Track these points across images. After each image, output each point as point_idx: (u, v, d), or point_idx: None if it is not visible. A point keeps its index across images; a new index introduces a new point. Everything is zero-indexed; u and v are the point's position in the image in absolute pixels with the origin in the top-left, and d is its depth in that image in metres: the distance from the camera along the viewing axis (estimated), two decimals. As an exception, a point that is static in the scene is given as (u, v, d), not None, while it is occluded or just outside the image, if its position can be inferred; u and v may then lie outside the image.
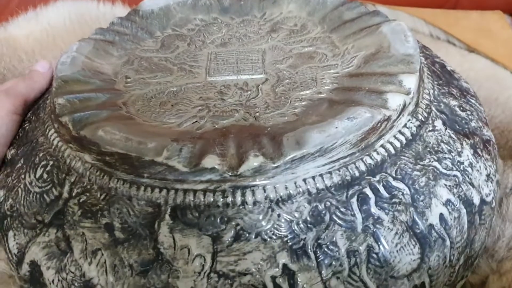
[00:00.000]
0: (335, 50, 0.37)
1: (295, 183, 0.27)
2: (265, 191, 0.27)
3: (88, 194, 0.29)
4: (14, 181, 0.32)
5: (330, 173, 0.27)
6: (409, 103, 0.31)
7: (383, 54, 0.34)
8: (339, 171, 0.28)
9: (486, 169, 0.32)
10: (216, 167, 0.26)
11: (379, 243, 0.27)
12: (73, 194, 0.29)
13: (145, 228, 0.27)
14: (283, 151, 0.26)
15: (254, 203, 0.27)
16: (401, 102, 0.30)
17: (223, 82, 0.35)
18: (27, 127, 0.36)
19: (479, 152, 0.32)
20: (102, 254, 0.27)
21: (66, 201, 0.29)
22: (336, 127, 0.27)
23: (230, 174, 0.26)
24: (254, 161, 0.26)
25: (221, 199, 0.27)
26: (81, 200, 0.29)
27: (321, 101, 0.32)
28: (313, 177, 0.27)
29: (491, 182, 0.32)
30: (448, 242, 0.28)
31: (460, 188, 0.30)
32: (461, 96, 0.36)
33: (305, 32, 0.40)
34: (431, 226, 0.28)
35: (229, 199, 0.27)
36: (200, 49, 0.39)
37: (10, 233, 0.31)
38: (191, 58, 0.38)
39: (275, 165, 0.26)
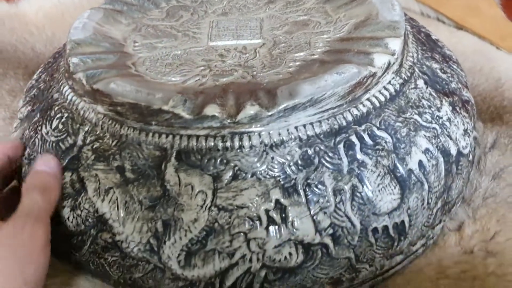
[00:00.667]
0: (328, 18, 0.40)
1: (287, 130, 0.30)
2: (260, 136, 0.30)
3: (101, 141, 0.32)
4: (31, 133, 0.35)
5: (319, 122, 0.30)
6: (394, 63, 0.33)
7: (371, 21, 0.37)
8: (328, 120, 0.31)
9: (463, 124, 0.35)
10: (216, 114, 0.29)
11: (362, 183, 0.30)
12: (87, 141, 0.32)
13: (153, 169, 0.30)
14: (277, 101, 0.29)
15: (251, 147, 0.30)
16: (386, 61, 0.32)
17: (224, 46, 0.38)
18: (42, 87, 0.39)
19: (458, 110, 0.35)
20: (114, 192, 0.30)
21: (80, 148, 0.32)
22: (326, 80, 0.30)
23: (229, 121, 0.29)
24: (250, 109, 0.29)
25: (221, 144, 0.30)
26: (94, 147, 0.32)
27: (314, 61, 0.35)
28: (304, 125, 0.30)
29: (468, 137, 0.35)
30: (426, 186, 0.31)
31: (439, 139, 0.33)
32: (443, 61, 0.39)
33: (300, 3, 0.43)
34: (410, 170, 0.31)
35: (228, 143, 0.30)
36: (202, 18, 0.42)
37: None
38: (194, 25, 0.41)
39: (270, 113, 0.29)
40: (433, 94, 0.35)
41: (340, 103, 0.31)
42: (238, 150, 0.30)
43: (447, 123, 0.34)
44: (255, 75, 0.34)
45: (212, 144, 0.30)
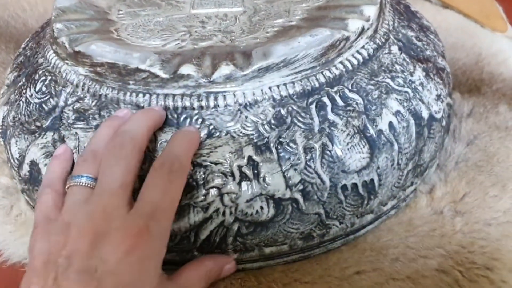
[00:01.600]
0: (308, -12, 0.40)
1: (261, 90, 0.31)
2: (235, 96, 0.31)
3: (81, 101, 0.33)
4: (16, 96, 0.36)
5: (293, 83, 0.31)
6: (368, 29, 0.34)
7: None
8: (301, 81, 0.31)
9: (436, 90, 0.36)
10: (192, 73, 0.30)
11: (332, 142, 0.31)
12: (68, 102, 0.33)
13: (130, 128, 0.31)
14: (251, 61, 0.30)
15: (225, 106, 0.31)
16: (360, 26, 0.33)
17: (206, 13, 0.39)
18: (28, 54, 0.40)
19: (431, 76, 0.36)
20: (92, 150, 0.31)
21: (62, 109, 0.33)
22: (299, 42, 0.31)
23: (204, 80, 0.30)
24: (225, 69, 0.30)
25: (196, 103, 0.31)
26: (75, 107, 0.33)
27: (291, 27, 0.35)
28: (278, 86, 0.31)
29: (441, 102, 0.36)
30: (396, 147, 0.32)
31: (410, 103, 0.34)
32: (419, 30, 0.39)
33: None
34: (380, 131, 0.32)
35: (203, 102, 0.31)
36: (185, -12, 0.42)
37: (13, 141, 0.35)
38: (177, -4, 0.41)
39: (244, 73, 0.30)
40: (407, 59, 0.36)
41: (313, 65, 0.32)
42: (213, 109, 0.31)
43: (420, 88, 0.35)
44: (234, 39, 0.35)
45: (188, 103, 0.31)
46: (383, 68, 0.34)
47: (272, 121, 0.31)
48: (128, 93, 0.32)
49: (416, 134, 0.34)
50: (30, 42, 0.43)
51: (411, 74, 0.35)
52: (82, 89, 0.33)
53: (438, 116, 0.35)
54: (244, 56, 0.31)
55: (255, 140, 0.30)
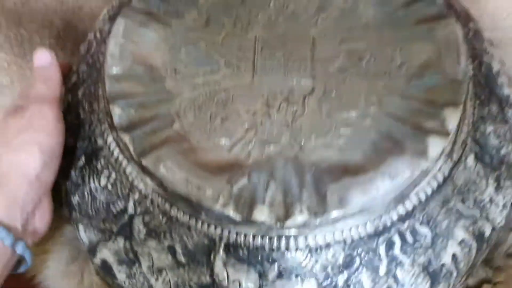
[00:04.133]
0: (385, 51, 0.36)
1: (333, 233, 0.31)
2: (306, 239, 0.31)
3: (151, 215, 0.33)
4: (78, 179, 0.36)
5: (365, 224, 0.31)
6: (447, 145, 0.32)
7: (432, 71, 0.34)
8: (374, 222, 0.31)
9: (504, 198, 0.35)
10: (265, 219, 0.30)
11: (397, 283, 0.32)
12: (137, 212, 0.34)
13: (203, 256, 0.32)
14: (326, 208, 0.30)
15: (296, 249, 0.31)
16: (440, 150, 0.32)
17: (270, 87, 0.36)
18: (81, 115, 0.38)
19: (502, 183, 0.35)
20: (167, 274, 0.33)
21: (131, 217, 0.34)
22: (377, 189, 0.30)
23: (277, 226, 0.30)
24: (299, 216, 0.30)
25: (268, 244, 0.31)
26: (145, 220, 0.33)
27: (366, 133, 0.33)
28: (350, 229, 0.31)
29: (506, 209, 0.36)
30: (455, 274, 0.34)
31: (476, 225, 0.34)
32: (498, 113, 0.37)
33: (356, 16, 0.38)
34: (443, 265, 0.33)
35: (275, 244, 0.31)
36: (246, 32, 0.38)
37: (80, 226, 0.36)
38: (237, 45, 0.37)
39: (318, 221, 0.30)
40: (481, 172, 0.34)
41: (388, 205, 0.31)
42: (284, 251, 0.31)
43: (488, 205, 0.34)
44: (303, 146, 0.33)
45: (259, 243, 0.31)
46: (456, 190, 0.33)
47: (341, 264, 0.32)
48: (200, 222, 0.32)
49: (476, 253, 0.34)
50: (82, 71, 0.40)
51: (482, 193, 0.34)
52: (151, 202, 0.33)
53: (500, 225, 0.36)
54: (318, 197, 0.30)
55: (324, 284, 0.32)
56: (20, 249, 0.33)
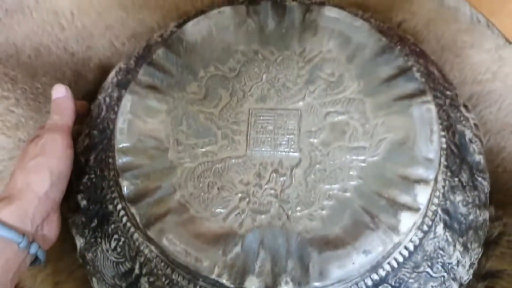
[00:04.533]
0: (366, 126, 0.40)
1: (313, 300, 0.35)
2: (290, 304, 0.35)
3: (155, 277, 0.38)
4: (92, 240, 0.41)
5: (342, 291, 0.36)
6: (418, 219, 0.37)
7: (407, 149, 0.38)
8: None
9: (471, 258, 0.40)
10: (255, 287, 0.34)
11: None
12: (143, 272, 0.38)
13: (200, 315, 0.37)
14: (309, 280, 0.34)
15: (281, 311, 0.36)
16: (411, 225, 0.36)
17: (261, 159, 0.40)
18: (94, 179, 0.42)
19: (469, 246, 0.39)
20: (172, 330, 0.37)
21: (138, 277, 0.38)
22: (353, 263, 0.34)
23: (265, 293, 0.35)
24: (285, 286, 0.34)
25: (256, 308, 0.36)
26: (150, 280, 0.38)
27: (346, 206, 0.37)
28: (328, 296, 0.36)
29: (472, 268, 0.40)
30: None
31: (444, 285, 0.38)
32: (468, 180, 0.41)
33: (341, 89, 0.42)
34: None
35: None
36: (241, 105, 0.42)
37: (94, 279, 0.41)
38: (233, 117, 0.42)
39: (300, 291, 0.34)
40: (449, 238, 0.38)
41: (363, 274, 0.36)
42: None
43: (455, 267, 0.39)
44: (290, 216, 0.38)
45: (250, 305, 0.36)
46: (425, 257, 0.37)
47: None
48: (198, 287, 0.36)
49: (441, 309, 0.39)
50: (92, 131, 0.44)
51: (450, 257, 0.38)
52: (155, 266, 0.38)
53: (466, 281, 0.40)
54: (301, 269, 0.35)
55: None
56: (33, 249, 0.38)
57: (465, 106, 0.45)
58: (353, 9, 0.49)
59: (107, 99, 0.45)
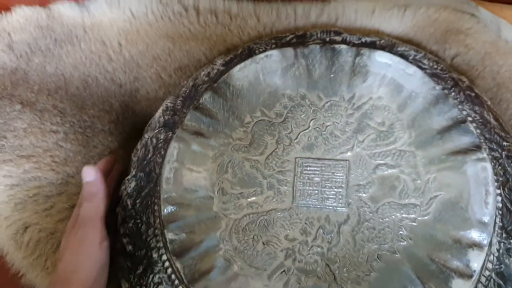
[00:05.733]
0: (417, 181, 0.39)
1: None
2: None
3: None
4: (137, 286, 0.41)
5: None
6: (471, 286, 0.35)
7: (460, 210, 0.37)
8: None
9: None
10: None
11: None
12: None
13: None
14: None
15: None
16: (462, 295, 0.34)
17: (308, 213, 0.39)
18: (139, 225, 0.42)
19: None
20: None
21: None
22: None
23: None
24: None
25: None
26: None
27: (395, 269, 0.36)
28: None
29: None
30: None
31: None
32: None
33: (392, 140, 0.41)
34: None
35: None
36: (287, 153, 0.41)
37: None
38: (279, 166, 0.41)
39: None
40: (504, 306, 0.37)
41: None
42: None
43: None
44: (336, 276, 0.37)
45: None
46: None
47: None
48: None
49: None
50: (139, 173, 0.44)
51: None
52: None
53: None
54: None
55: None
56: None
57: (524, 157, 0.43)
58: (405, 46, 0.47)
59: (154, 140, 0.45)
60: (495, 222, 0.37)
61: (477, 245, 0.35)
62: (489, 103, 0.44)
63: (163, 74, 0.56)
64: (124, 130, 0.54)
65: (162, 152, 0.43)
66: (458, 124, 0.39)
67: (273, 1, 0.54)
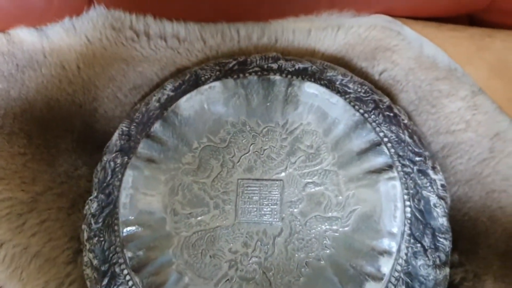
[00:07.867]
0: (339, 197, 0.46)
1: None
2: None
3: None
4: None
5: None
6: (382, 286, 0.43)
7: (373, 222, 0.44)
8: None
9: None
10: None
11: None
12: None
13: None
14: None
15: None
16: (374, 293, 0.42)
17: (248, 227, 0.46)
18: (103, 242, 0.48)
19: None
20: None
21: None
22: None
23: None
24: None
25: None
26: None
27: (320, 274, 0.44)
28: None
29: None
30: None
31: None
32: (430, 244, 0.46)
33: (318, 161, 0.47)
34: None
35: None
36: (231, 175, 0.48)
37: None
38: (224, 187, 0.47)
39: None
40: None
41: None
42: None
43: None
44: (272, 282, 0.44)
45: None
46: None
47: None
48: None
49: None
50: (100, 195, 0.50)
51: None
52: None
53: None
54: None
55: None
56: None
57: (434, 168, 0.50)
58: (333, 71, 0.53)
59: (112, 164, 0.51)
60: (403, 231, 0.44)
61: (387, 252, 0.43)
62: (406, 121, 0.51)
63: (119, 94, 0.61)
64: (86, 147, 0.60)
65: (120, 176, 0.49)
66: (374, 146, 0.46)
67: (218, 22, 0.59)
